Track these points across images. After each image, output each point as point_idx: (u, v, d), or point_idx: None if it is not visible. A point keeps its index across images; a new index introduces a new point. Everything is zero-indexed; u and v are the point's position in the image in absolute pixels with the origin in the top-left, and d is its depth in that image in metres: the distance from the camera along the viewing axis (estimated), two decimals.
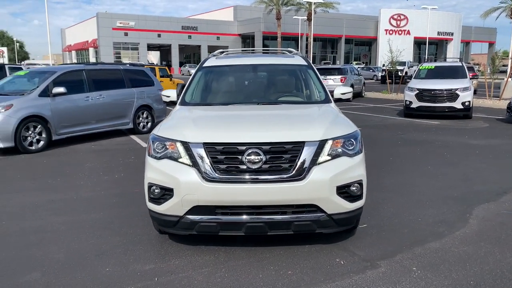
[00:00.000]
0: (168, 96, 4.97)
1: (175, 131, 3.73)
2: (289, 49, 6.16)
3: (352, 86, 20.71)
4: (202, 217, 3.50)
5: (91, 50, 61.21)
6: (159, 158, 3.63)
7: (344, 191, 3.57)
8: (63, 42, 74.76)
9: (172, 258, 3.73)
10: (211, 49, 64.70)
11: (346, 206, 3.58)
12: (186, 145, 3.53)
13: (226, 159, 3.45)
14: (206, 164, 3.44)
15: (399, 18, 65.74)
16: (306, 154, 3.46)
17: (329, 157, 3.54)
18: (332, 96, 4.91)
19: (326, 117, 4.08)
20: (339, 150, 3.61)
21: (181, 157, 3.53)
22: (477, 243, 3.99)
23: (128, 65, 12.67)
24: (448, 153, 8.17)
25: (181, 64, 61.12)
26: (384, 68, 28.93)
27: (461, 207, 5.01)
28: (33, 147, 8.54)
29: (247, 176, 3.42)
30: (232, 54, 6.20)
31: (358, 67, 53.13)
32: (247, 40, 65.07)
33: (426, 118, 13.32)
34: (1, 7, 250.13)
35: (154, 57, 77.97)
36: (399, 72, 26.84)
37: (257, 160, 3.41)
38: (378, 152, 8.28)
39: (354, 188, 3.63)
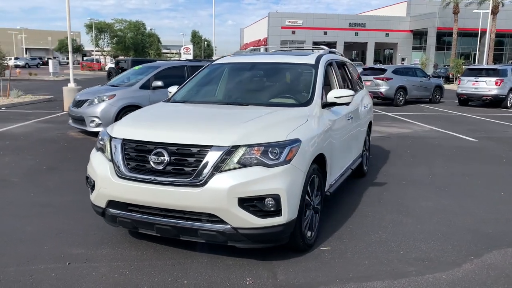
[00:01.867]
0: (171, 92, 5.09)
1: (113, 125, 3.86)
2: (322, 46, 5.69)
3: (511, 90, 17.69)
4: (119, 212, 3.56)
5: (262, 48, 64.96)
6: (97, 150, 3.82)
7: (252, 204, 3.21)
8: (242, 40, 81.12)
9: (107, 247, 3.89)
10: (379, 46, 62.28)
11: (254, 221, 3.21)
12: (110, 139, 3.64)
13: (137, 157, 3.45)
14: (120, 160, 3.49)
15: None
16: (210, 160, 3.22)
17: (238, 165, 3.23)
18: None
19: (261, 121, 3.68)
20: (255, 158, 3.25)
21: (106, 151, 3.65)
22: None
23: None
24: None
25: None
26: None
27: (477, 246, 3.98)
28: None
29: (150, 176, 3.36)
30: (253, 52, 6.01)
31: None
32: (423, 37, 60.62)
33: None
34: (203, 9, 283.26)
35: None
36: None
37: (161, 161, 3.32)
38: (458, 169, 7.02)
39: (268, 203, 3.23)
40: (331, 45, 63.34)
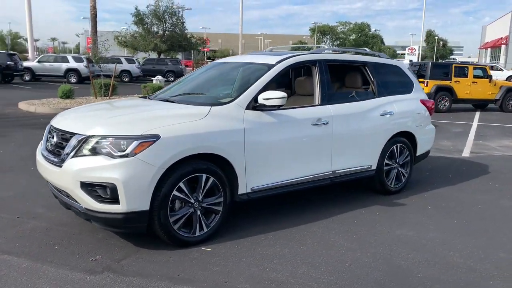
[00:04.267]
0: None
1: None
2: (322, 45, 5.25)
3: None
4: (49, 185, 4.39)
5: (503, 47, 56.53)
6: None
7: (93, 189, 3.56)
8: (482, 39, 72.21)
9: (57, 211, 4.62)
10: None
11: (93, 205, 3.56)
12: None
13: (49, 139, 4.18)
14: (44, 140, 4.28)
15: None
16: (71, 145, 3.70)
17: (89, 153, 3.61)
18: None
19: (135, 115, 3.96)
20: (105, 148, 3.57)
21: None
22: None
23: None
24: None
25: None
26: None
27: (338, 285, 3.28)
28: None
29: (47, 155, 4.03)
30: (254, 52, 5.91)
31: None
32: None
33: None
34: (456, 6, 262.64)
35: None
36: None
37: (53, 143, 3.99)
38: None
39: (105, 190, 3.52)
40: None
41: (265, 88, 4.36)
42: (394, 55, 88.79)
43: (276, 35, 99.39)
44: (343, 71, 5.65)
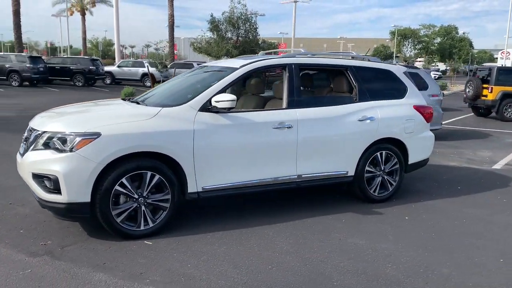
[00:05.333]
0: None
1: None
2: (298, 49, 5.21)
3: None
4: None
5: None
6: None
7: (41, 180, 3.93)
8: None
9: None
10: None
11: (42, 194, 3.92)
12: None
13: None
14: (23, 140, 4.74)
15: None
16: (32, 139, 4.11)
17: (42, 147, 3.99)
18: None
19: (87, 114, 4.32)
20: (54, 143, 3.91)
21: None
22: None
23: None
24: None
25: None
26: None
27: None
28: None
29: (22, 151, 4.49)
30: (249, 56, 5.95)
31: None
32: None
33: None
34: None
35: None
36: None
37: (24, 138, 4.44)
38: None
39: (50, 181, 3.86)
40: None
41: (223, 91, 4.48)
42: (491, 59, 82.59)
43: (358, 39, 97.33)
44: (325, 76, 5.56)
